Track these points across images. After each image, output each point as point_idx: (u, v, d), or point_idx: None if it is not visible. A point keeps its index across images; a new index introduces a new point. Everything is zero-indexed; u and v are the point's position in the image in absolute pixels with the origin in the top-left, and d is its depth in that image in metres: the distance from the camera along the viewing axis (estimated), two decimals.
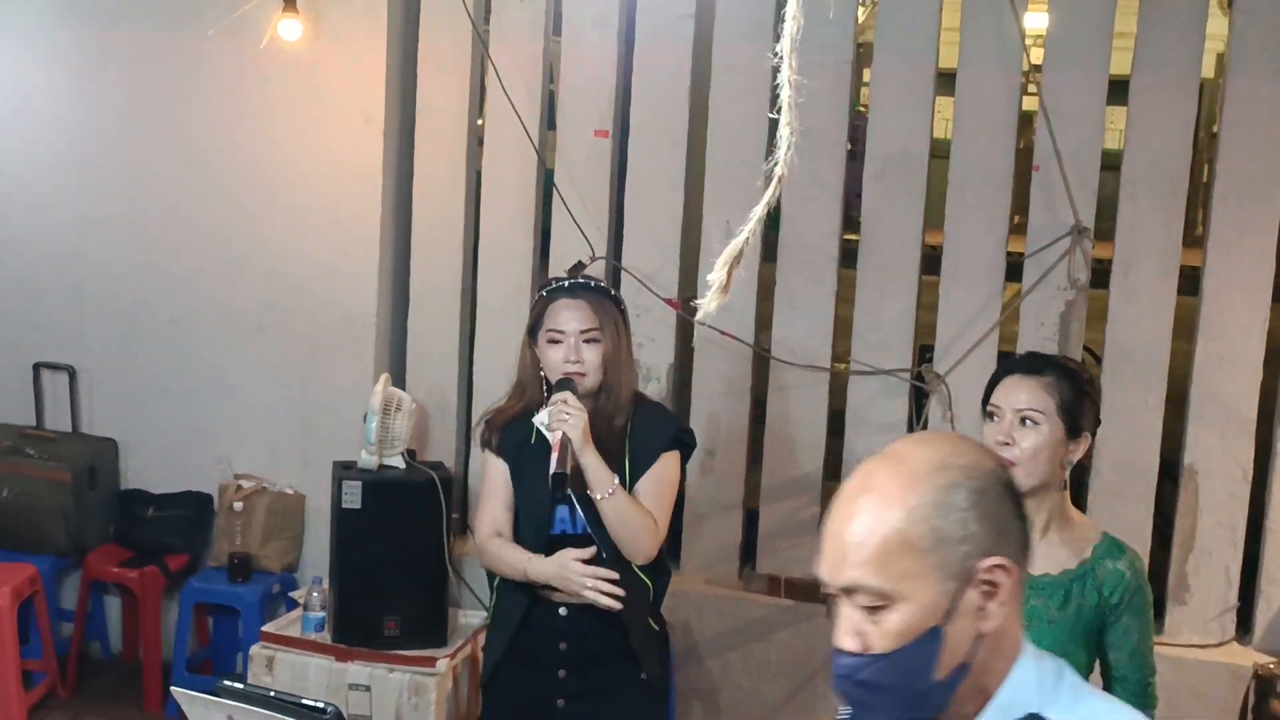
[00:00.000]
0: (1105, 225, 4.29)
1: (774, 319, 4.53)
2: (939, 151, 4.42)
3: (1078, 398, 2.46)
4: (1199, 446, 4.22)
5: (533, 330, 2.99)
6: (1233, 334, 4.16)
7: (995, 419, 2.47)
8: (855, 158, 4.59)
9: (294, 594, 4.74)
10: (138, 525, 4.93)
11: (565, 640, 2.97)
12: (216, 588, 4.79)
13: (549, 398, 2.95)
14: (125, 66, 4.90)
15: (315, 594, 4.49)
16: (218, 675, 4.78)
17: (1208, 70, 6.63)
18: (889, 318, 4.40)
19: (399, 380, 4.76)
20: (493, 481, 3.13)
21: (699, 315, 1.69)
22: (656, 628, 3.08)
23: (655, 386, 4.63)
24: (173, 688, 2.19)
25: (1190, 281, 4.29)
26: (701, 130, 4.55)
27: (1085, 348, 4.40)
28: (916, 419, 4.41)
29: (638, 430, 2.98)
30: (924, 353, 4.55)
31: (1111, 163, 4.27)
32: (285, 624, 4.53)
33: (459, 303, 4.79)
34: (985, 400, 2.54)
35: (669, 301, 4.53)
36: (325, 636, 4.40)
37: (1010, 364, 2.55)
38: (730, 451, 4.60)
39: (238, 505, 4.81)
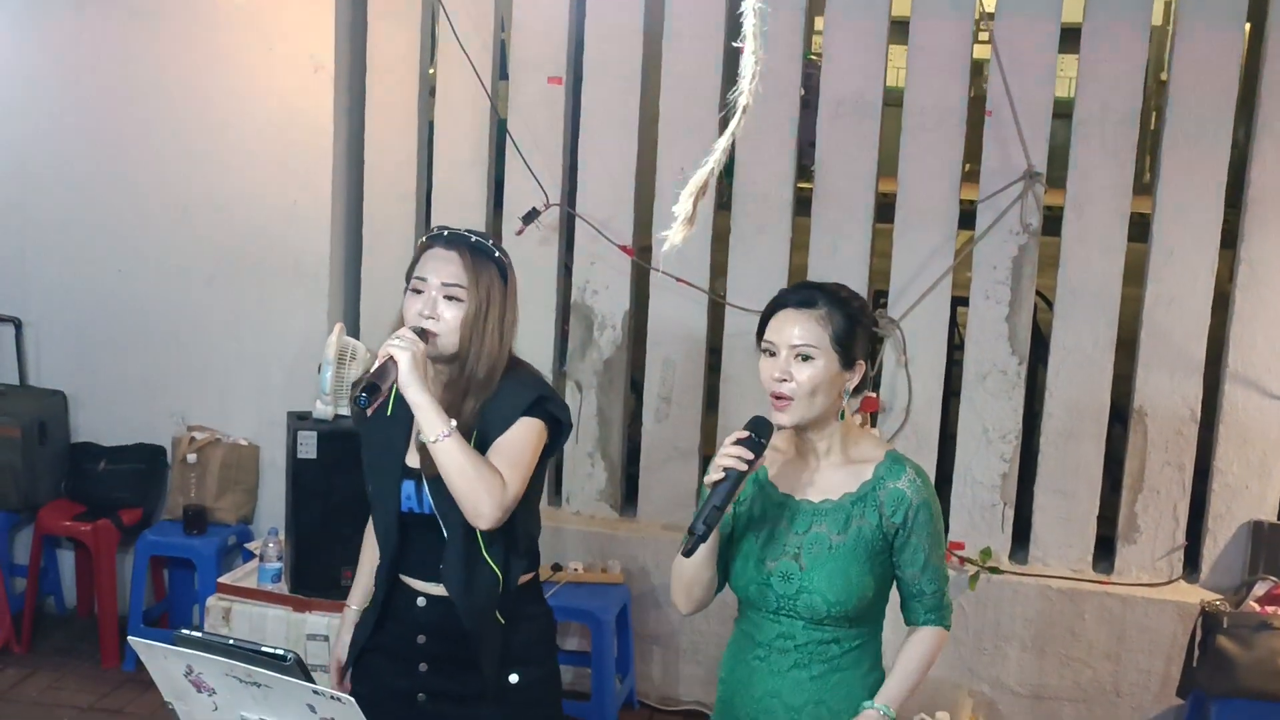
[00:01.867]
0: (1057, 174, 4.32)
1: (729, 266, 4.54)
2: (891, 100, 4.42)
3: (850, 327, 2.43)
4: (1148, 388, 4.27)
5: (408, 279, 2.64)
6: (1181, 276, 4.20)
7: (771, 354, 2.44)
8: (808, 106, 4.58)
9: (250, 545, 4.72)
10: (89, 479, 4.89)
11: (424, 633, 2.67)
12: (171, 540, 4.76)
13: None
14: (67, 10, 4.80)
15: (271, 545, 4.46)
16: (175, 628, 4.76)
17: (1157, 17, 6.66)
18: (843, 263, 4.41)
19: (353, 330, 4.73)
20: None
21: (665, 247, 1.64)
22: (503, 621, 2.66)
23: (610, 334, 4.63)
24: (130, 638, 2.17)
25: (1140, 228, 4.34)
26: (656, 76, 4.53)
27: (1037, 292, 4.44)
28: (871, 364, 4.41)
29: (491, 402, 2.59)
30: (878, 298, 4.57)
31: (1063, 111, 4.29)
32: (242, 575, 4.51)
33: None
34: (759, 336, 2.48)
35: (624, 248, 4.52)
36: (282, 587, 4.38)
37: (782, 298, 2.48)
38: (686, 398, 4.61)
39: (191, 457, 4.78)
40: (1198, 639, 3.95)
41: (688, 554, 2.35)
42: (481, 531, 2.56)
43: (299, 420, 4.31)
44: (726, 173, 4.53)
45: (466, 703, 2.67)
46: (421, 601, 2.67)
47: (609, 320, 4.63)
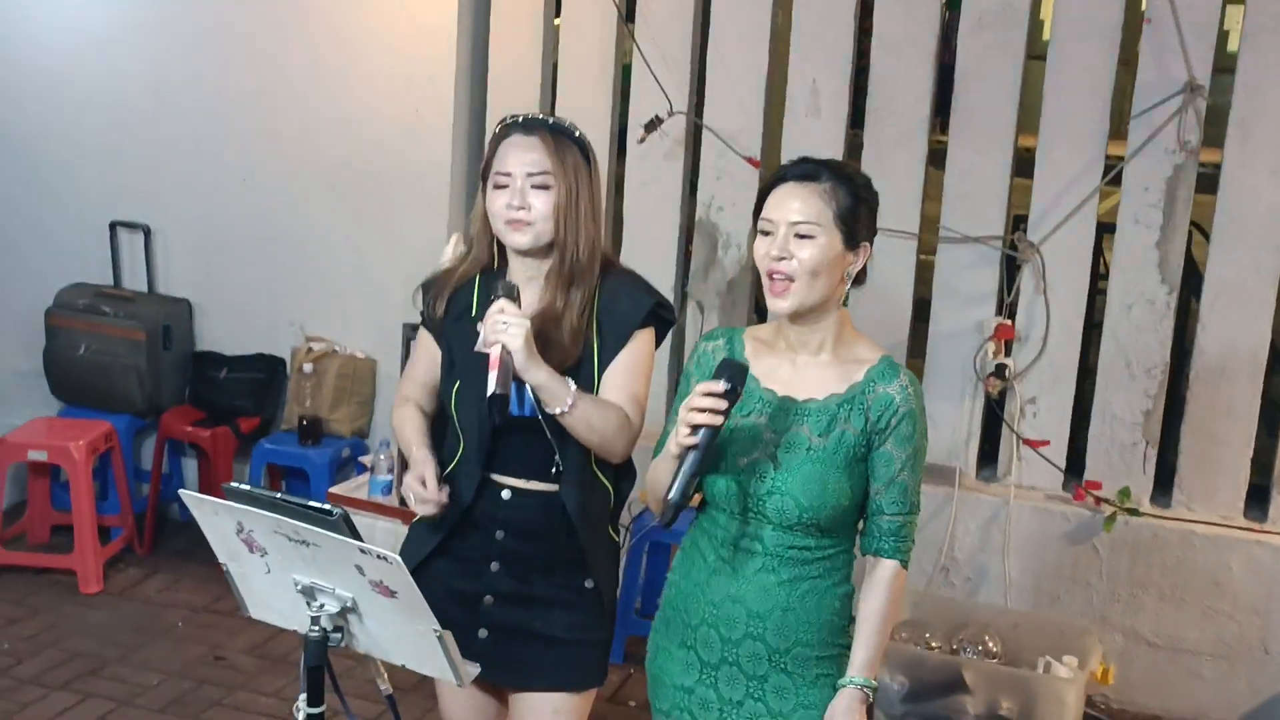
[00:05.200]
0: (1214, 131, 3.99)
1: None
2: (1035, 53, 4.15)
3: (855, 204, 2.25)
4: None
5: (485, 174, 2.52)
6: None
7: (767, 234, 2.26)
8: (950, 32, 4.33)
9: (363, 459, 4.70)
10: (211, 386, 4.93)
11: (503, 529, 2.54)
12: (287, 449, 4.77)
13: (498, 275, 2.49)
14: None
15: (383, 456, 4.44)
16: None
17: None
18: (982, 183, 4.16)
19: None
20: (417, 355, 2.69)
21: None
22: (616, 538, 2.64)
23: (735, 254, 4.46)
24: (181, 491, 2.09)
25: None
26: None
27: (1192, 222, 4.13)
28: (1008, 290, 4.18)
29: (605, 303, 2.51)
30: (1017, 222, 4.31)
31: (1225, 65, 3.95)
32: (353, 487, 4.49)
33: None
34: (756, 215, 2.31)
35: (751, 161, 4.34)
36: (393, 500, 4.35)
37: (782, 172, 2.31)
38: None
39: (308, 367, 4.77)
40: None
41: (667, 525, 2.21)
42: None
43: (414, 332, 4.21)
44: (859, 93, 4.31)
45: (534, 606, 2.54)
46: (507, 494, 2.53)
47: (734, 239, 4.46)
